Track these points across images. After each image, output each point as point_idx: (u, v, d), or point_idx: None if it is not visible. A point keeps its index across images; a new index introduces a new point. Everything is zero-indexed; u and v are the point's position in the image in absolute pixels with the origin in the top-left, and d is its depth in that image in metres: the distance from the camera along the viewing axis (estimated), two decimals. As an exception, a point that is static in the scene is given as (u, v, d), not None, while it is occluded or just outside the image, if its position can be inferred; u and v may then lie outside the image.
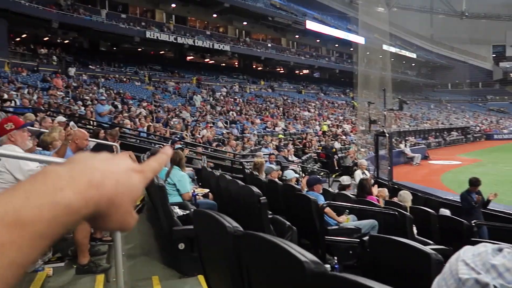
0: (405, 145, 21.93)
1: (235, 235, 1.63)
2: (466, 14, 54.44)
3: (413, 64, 54.42)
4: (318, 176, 5.57)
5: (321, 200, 5.00)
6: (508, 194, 11.09)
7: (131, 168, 0.42)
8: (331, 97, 40.04)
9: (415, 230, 5.04)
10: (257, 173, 6.10)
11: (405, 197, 6.12)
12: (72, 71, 22.48)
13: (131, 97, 19.85)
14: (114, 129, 7.65)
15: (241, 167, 8.26)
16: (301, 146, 16.40)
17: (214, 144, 12.48)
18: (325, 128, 22.56)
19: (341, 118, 29.10)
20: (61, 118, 7.68)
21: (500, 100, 56.63)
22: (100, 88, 20.22)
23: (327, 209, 4.80)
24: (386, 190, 8.07)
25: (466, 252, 1.00)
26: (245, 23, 37.77)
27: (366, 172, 9.46)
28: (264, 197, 3.67)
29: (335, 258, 3.90)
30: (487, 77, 60.56)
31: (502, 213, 7.70)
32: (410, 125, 32.40)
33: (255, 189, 3.77)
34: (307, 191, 5.44)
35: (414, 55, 51.11)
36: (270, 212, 3.87)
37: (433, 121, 36.73)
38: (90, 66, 26.15)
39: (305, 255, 1.15)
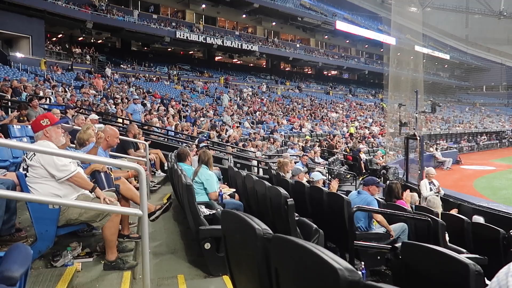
0: (436, 149, 21.27)
1: (265, 237, 1.60)
2: (505, 13, 52.28)
3: (446, 66, 52.74)
4: (376, 178, 5.46)
5: (374, 205, 4.89)
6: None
7: None
8: (360, 98, 39.40)
9: (447, 238, 4.86)
10: (283, 174, 6.04)
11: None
12: (108, 71, 23.14)
13: (160, 96, 20.19)
14: (130, 125, 7.60)
15: (267, 167, 8.22)
16: (326, 147, 16.18)
17: (241, 144, 12.49)
18: (352, 130, 22.21)
19: (369, 120, 28.56)
20: (94, 116, 7.88)
21: (540, 103, 54.13)
22: (131, 87, 20.67)
23: (380, 217, 4.69)
24: (416, 195, 7.83)
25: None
26: (274, 23, 37.75)
27: (435, 181, 8.28)
28: (291, 199, 3.61)
29: (362, 263, 3.81)
30: (525, 79, 58.01)
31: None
32: (441, 128, 31.40)
33: (282, 190, 3.72)
34: (358, 191, 5.35)
35: (447, 56, 49.59)
36: (296, 214, 3.81)
37: (466, 125, 35.47)
38: (122, 66, 26.81)
39: (339, 262, 1.10)
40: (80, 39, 28.49)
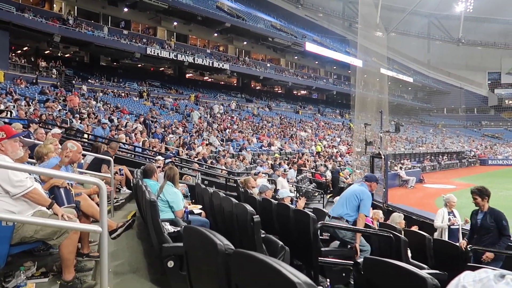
0: (400, 168, 21.94)
1: (226, 253, 1.59)
2: (463, 41, 55.59)
3: (410, 88, 55.11)
4: (376, 175, 5.61)
5: (369, 201, 5.01)
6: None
7: None
8: (328, 118, 40.31)
9: (409, 254, 4.97)
10: (250, 192, 6.04)
11: (396, 217, 6.08)
12: (85, 88, 22.62)
13: (128, 112, 19.85)
14: (113, 143, 7.73)
15: (235, 185, 8.20)
16: (290, 164, 16.37)
17: (209, 161, 12.42)
18: (319, 148, 22.61)
19: (337, 139, 29.20)
20: (56, 130, 7.64)
21: (495, 126, 57.28)
22: (98, 102, 20.24)
23: (362, 222, 4.82)
24: (380, 212, 8.01)
25: (467, 277, 0.98)
26: (245, 42, 38.33)
27: (456, 212, 7.10)
28: (257, 216, 3.61)
29: (328, 280, 3.82)
30: (482, 103, 61.37)
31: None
32: (405, 148, 32.51)
33: (248, 207, 3.71)
34: (361, 183, 5.45)
35: (411, 79, 51.83)
36: (263, 232, 3.80)
37: (428, 145, 36.91)
38: (90, 80, 26.28)
39: (298, 276, 1.12)
40: (46, 52, 27.76)
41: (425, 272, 2.12)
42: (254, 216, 3.56)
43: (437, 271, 3.80)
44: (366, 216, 5.00)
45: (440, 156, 34.00)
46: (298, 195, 11.53)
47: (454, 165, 33.64)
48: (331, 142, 27.03)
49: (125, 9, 29.74)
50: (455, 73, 59.41)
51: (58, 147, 4.41)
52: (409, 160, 28.38)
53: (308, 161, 17.96)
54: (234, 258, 1.55)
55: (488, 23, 55.86)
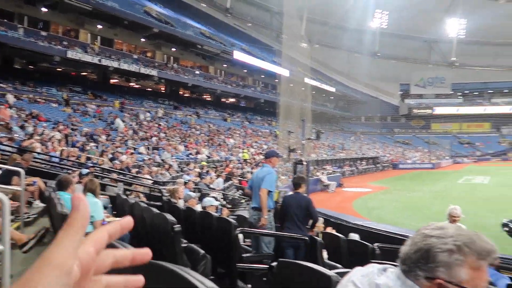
0: (322, 173, 23.16)
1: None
2: (378, 54, 60.41)
3: (332, 97, 58.47)
4: (275, 150, 5.79)
5: (273, 175, 5.23)
6: (411, 219, 12.26)
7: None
8: (256, 125, 41.17)
9: (325, 255, 5.35)
10: (174, 201, 6.07)
11: (317, 223, 6.47)
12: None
13: (45, 119, 18.52)
14: (27, 154, 7.25)
15: (160, 194, 8.12)
16: (218, 172, 16.55)
17: (134, 170, 12.09)
18: (247, 156, 23.05)
19: (264, 146, 29.97)
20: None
21: (405, 133, 63.00)
22: (11, 109, 18.58)
23: (264, 195, 5.06)
24: (321, 220, 8.46)
25: (356, 273, 1.09)
26: (173, 49, 37.80)
27: (462, 226, 3.60)
28: (178, 225, 3.68)
29: (249, 285, 3.98)
30: (395, 112, 67.20)
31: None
32: (327, 154, 34.36)
33: (169, 216, 3.76)
34: (263, 162, 5.62)
35: (333, 89, 54.95)
36: (185, 241, 3.87)
37: (348, 151, 39.40)
38: (1, 85, 23.98)
39: (204, 283, 1.16)
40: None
41: (334, 272, 2.39)
42: (174, 226, 3.62)
43: (349, 270, 4.18)
44: (270, 191, 5.19)
45: (359, 161, 36.49)
46: (225, 202, 11.70)
47: (370, 170, 36.29)
48: (259, 150, 27.67)
49: (44, 9, 27.70)
50: (372, 83, 64.25)
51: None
52: (330, 166, 30.05)
53: (236, 168, 18.24)
54: (143, 268, 1.63)
55: (401, 40, 61.37)
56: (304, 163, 11.37)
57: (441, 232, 1.01)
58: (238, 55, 40.92)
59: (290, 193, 6.22)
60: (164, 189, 7.69)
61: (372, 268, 1.06)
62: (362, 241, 6.51)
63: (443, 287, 0.98)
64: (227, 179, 15.85)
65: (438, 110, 64.11)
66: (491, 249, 1.00)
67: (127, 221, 0.45)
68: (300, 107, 27.92)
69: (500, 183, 22.93)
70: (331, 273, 2.32)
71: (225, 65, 44.14)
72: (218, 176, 15.19)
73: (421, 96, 67.16)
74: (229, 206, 11.45)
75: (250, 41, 48.95)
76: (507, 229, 6.40)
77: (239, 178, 16.57)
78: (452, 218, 5.57)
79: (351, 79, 63.10)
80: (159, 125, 26.27)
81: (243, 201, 12.77)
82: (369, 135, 58.06)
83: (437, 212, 12.81)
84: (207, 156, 20.86)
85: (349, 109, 61.91)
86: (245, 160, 21.85)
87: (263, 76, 48.31)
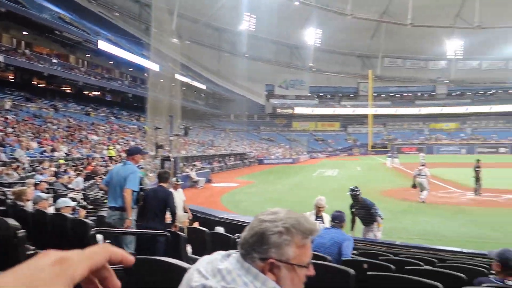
0: (192, 170, 23.36)
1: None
2: (247, 55, 63.35)
3: (202, 95, 59.15)
4: (139, 146, 5.46)
5: (136, 173, 4.98)
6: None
7: (41, 265, 0.42)
8: (123, 121, 39.07)
9: (189, 249, 5.50)
10: (22, 204, 5.47)
11: (181, 217, 6.59)
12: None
13: None
14: None
15: (4, 197, 7.15)
16: (78, 171, 15.34)
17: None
18: (112, 153, 21.83)
19: (132, 143, 28.70)
20: None
21: (270, 130, 67.74)
22: None
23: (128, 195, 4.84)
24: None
25: (202, 261, 1.13)
26: (25, 33, 33.15)
27: (326, 217, 6.29)
28: (22, 230, 3.38)
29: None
30: (261, 110, 71.60)
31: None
32: (197, 150, 34.74)
33: (11, 221, 3.42)
34: (125, 159, 5.26)
35: (203, 87, 55.56)
36: (33, 247, 3.57)
37: (217, 148, 40.48)
38: None
39: None
40: None
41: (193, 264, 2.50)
42: (17, 231, 3.32)
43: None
44: (134, 191, 5.06)
45: (227, 158, 37.81)
46: (86, 203, 10.91)
47: (238, 165, 37.96)
48: (126, 146, 26.37)
49: None
50: (241, 83, 67.09)
51: None
52: (200, 162, 30.47)
53: (99, 166, 17.08)
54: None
55: (267, 43, 65.40)
56: (172, 159, 11.35)
57: (274, 217, 1.14)
58: (104, 46, 38.12)
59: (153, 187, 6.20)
60: (9, 191, 6.82)
61: (217, 255, 1.13)
62: (226, 233, 6.87)
63: (275, 266, 1.09)
64: (88, 178, 14.75)
65: (298, 110, 70.51)
66: (313, 229, 1.17)
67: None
68: (170, 103, 27.58)
69: (346, 175, 26.49)
70: (189, 266, 2.46)
71: (89, 55, 40.66)
72: (78, 175, 14.04)
73: (284, 97, 72.99)
74: (91, 207, 10.72)
75: (117, 32, 46.09)
76: (351, 193, 7.71)
77: (103, 177, 15.57)
78: (318, 208, 6.50)
79: (221, 78, 64.77)
80: (6, 118, 22.86)
81: (106, 201, 12.08)
82: (237, 132, 60.59)
83: (294, 202, 14.23)
84: (65, 153, 19.01)
85: (219, 106, 63.56)
86: (111, 157, 20.62)
87: (131, 69, 46.05)
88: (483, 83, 69.42)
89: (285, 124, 70.94)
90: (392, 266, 3.58)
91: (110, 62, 43.51)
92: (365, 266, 3.53)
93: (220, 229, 7.82)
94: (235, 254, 1.11)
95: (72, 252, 0.44)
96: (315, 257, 3.82)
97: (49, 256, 0.44)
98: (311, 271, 1.18)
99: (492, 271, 3.30)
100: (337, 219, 4.87)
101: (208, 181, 23.81)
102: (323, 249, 4.64)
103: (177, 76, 39.65)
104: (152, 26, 32.16)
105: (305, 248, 1.15)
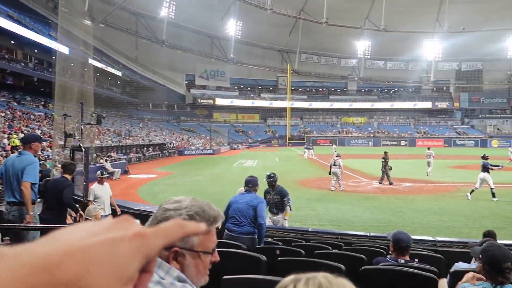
0: (106, 160, 22.18)
1: None
2: (166, 43, 61.17)
3: (119, 82, 56.05)
4: (36, 133, 4.91)
5: (36, 164, 4.64)
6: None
7: (120, 237, 0.34)
8: (27, 107, 35.55)
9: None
10: None
11: (91, 210, 6.33)
12: None
13: None
14: None
15: None
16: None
17: None
18: (17, 142, 19.79)
19: (38, 131, 26.29)
20: None
21: (190, 121, 66.80)
22: None
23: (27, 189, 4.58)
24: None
25: None
26: None
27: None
28: None
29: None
30: (181, 100, 70.19)
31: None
32: (113, 140, 33.01)
33: None
34: (19, 152, 4.76)
35: (119, 73, 52.67)
36: None
37: (135, 138, 38.87)
38: None
39: None
40: None
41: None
42: None
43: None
44: (33, 183, 4.69)
45: (145, 148, 36.54)
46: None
47: (157, 156, 36.90)
48: (30, 135, 24.08)
49: None
50: (160, 71, 64.93)
51: None
52: (116, 153, 29.02)
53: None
54: None
55: (187, 31, 63.98)
56: (83, 149, 10.62)
57: (178, 205, 1.16)
58: (3, 23, 34.12)
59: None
60: None
61: None
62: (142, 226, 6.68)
63: (179, 254, 1.12)
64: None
65: (219, 101, 70.51)
66: (217, 215, 1.19)
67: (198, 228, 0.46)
68: (81, 89, 25.76)
69: (264, 165, 27.26)
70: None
71: (-15, 33, 36.10)
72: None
73: (205, 88, 72.38)
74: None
75: (19, 8, 41.45)
76: (268, 179, 8.00)
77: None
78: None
79: (139, 65, 62.03)
80: None
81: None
82: (156, 122, 58.71)
83: (212, 192, 14.32)
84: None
85: (137, 95, 60.57)
86: (13, 147, 18.66)
87: (36, 50, 41.92)
88: (387, 81, 76.10)
89: (206, 115, 70.49)
90: (303, 251, 3.82)
91: (12, 42, 39.15)
92: (278, 252, 3.72)
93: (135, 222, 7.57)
94: None
95: (157, 228, 0.38)
96: (229, 245, 3.95)
97: (129, 225, 0.36)
98: (216, 257, 1.21)
99: (390, 252, 3.69)
100: (251, 184, 5.22)
101: (125, 172, 22.85)
102: (240, 213, 4.85)
103: (90, 61, 37.18)
104: (61, 5, 29.58)
105: (210, 235, 1.17)
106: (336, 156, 16.05)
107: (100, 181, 8.17)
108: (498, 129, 66.85)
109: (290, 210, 8.05)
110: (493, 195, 13.24)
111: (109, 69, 49.10)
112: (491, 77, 70.93)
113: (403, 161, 28.34)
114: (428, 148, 22.38)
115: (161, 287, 1.02)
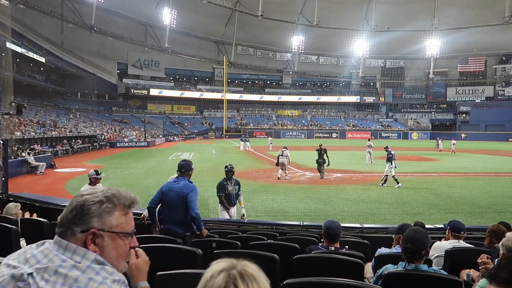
0: (29, 154, 20.53)
1: None
2: (95, 29, 57.56)
3: (42, 69, 51.79)
4: None
5: None
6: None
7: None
8: None
9: (24, 244, 4.90)
10: None
11: (12, 208, 5.90)
12: None
13: None
14: None
15: None
16: None
17: None
18: None
19: None
20: None
21: (123, 112, 63.95)
22: None
23: None
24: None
25: (12, 254, 1.10)
26: None
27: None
28: None
29: None
30: (113, 90, 66.83)
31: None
32: (36, 132, 30.57)
33: None
34: None
35: (43, 60, 48.67)
36: None
37: (61, 129, 36.35)
38: None
39: None
40: None
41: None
42: None
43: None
44: None
45: (73, 140, 34.36)
46: None
47: (86, 149, 34.89)
48: None
49: None
50: (89, 59, 61.11)
51: None
52: (40, 145, 26.95)
53: None
54: None
55: (118, 17, 60.87)
56: (1, 141, 9.72)
57: (93, 190, 1.18)
58: None
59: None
60: None
61: (32, 245, 1.11)
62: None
63: (97, 236, 1.12)
64: None
65: (153, 92, 68.29)
66: (134, 199, 1.24)
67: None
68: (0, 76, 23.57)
69: (201, 157, 27.02)
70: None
71: None
72: None
73: (138, 77, 69.57)
74: None
75: None
76: (226, 170, 8.26)
77: None
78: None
79: (65, 51, 57.84)
80: None
81: None
82: (86, 112, 55.24)
83: (147, 186, 13.90)
84: None
85: (63, 83, 56.20)
86: None
87: None
88: (320, 76, 79.06)
89: (139, 106, 67.95)
90: (239, 243, 3.87)
91: None
92: (214, 245, 3.73)
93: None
94: (51, 240, 1.11)
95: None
96: (165, 240, 3.88)
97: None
98: (135, 242, 1.26)
99: (322, 240, 3.88)
100: (183, 168, 5.03)
101: (51, 166, 21.34)
102: (172, 206, 4.77)
103: (8, 45, 34.05)
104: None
105: (128, 218, 1.21)
106: (284, 148, 16.76)
107: (94, 182, 7.31)
108: (417, 122, 72.72)
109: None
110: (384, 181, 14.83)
111: (31, 54, 45.21)
112: (411, 74, 76.89)
113: (335, 153, 29.69)
114: (368, 140, 24.17)
115: (77, 271, 1.02)
